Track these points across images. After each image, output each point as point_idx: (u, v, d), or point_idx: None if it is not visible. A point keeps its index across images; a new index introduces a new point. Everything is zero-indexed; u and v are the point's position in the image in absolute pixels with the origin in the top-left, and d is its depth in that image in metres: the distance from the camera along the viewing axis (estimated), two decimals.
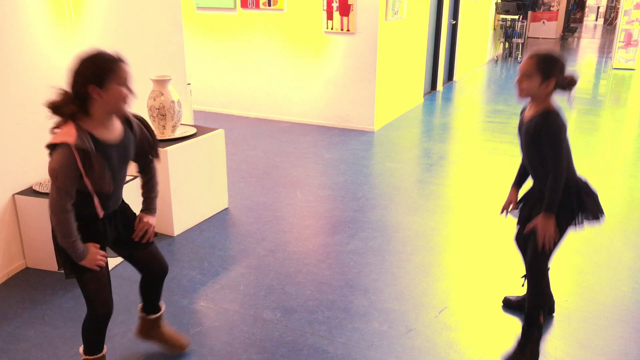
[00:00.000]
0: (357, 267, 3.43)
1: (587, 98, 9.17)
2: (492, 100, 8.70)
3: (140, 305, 2.54)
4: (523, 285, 2.73)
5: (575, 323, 2.87)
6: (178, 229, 3.83)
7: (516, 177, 2.76)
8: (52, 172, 1.96)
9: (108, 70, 1.96)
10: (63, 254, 2.14)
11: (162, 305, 2.56)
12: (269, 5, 6.79)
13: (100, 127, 2.04)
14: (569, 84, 2.39)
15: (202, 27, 7.40)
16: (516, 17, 13.59)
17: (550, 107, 2.38)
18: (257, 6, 6.87)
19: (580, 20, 24.51)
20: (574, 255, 3.59)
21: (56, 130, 2.01)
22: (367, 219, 4.11)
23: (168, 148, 3.64)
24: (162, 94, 3.70)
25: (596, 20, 27.08)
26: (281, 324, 2.84)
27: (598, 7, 26.92)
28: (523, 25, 13.73)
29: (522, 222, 2.64)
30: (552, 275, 3.34)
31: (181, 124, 4.01)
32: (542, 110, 2.37)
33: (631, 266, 3.46)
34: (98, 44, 3.74)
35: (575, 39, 20.01)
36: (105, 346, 2.37)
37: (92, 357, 2.33)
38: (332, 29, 6.49)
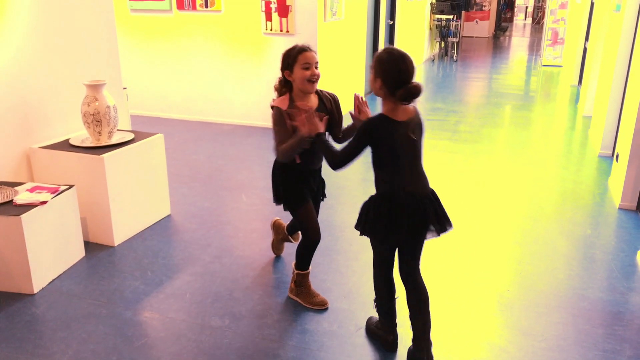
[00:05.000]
0: None
1: (520, 94, 9.56)
2: (430, 99, 8.91)
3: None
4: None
5: (517, 312, 2.97)
6: (118, 238, 3.70)
7: None
8: (273, 124, 2.73)
9: (293, 58, 2.65)
10: (281, 191, 2.85)
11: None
12: (206, 6, 6.68)
13: (299, 99, 2.72)
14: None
15: (137, 29, 7.19)
16: (450, 16, 14.00)
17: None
18: (194, 8, 6.74)
19: (511, 20, 25.57)
20: (514, 247, 3.72)
21: (275, 98, 2.78)
22: None
23: (105, 155, 3.51)
24: (97, 100, 3.57)
25: (525, 19, 28.29)
26: (230, 330, 2.79)
27: (526, 7, 28.16)
28: (457, 25, 14.16)
29: None
30: (493, 266, 3.46)
31: (118, 130, 3.88)
32: None
33: (565, 254, 3.63)
34: (24, 46, 3.57)
35: (507, 38, 20.81)
36: (310, 266, 3.00)
37: (302, 271, 2.99)
38: (271, 30, 6.46)
